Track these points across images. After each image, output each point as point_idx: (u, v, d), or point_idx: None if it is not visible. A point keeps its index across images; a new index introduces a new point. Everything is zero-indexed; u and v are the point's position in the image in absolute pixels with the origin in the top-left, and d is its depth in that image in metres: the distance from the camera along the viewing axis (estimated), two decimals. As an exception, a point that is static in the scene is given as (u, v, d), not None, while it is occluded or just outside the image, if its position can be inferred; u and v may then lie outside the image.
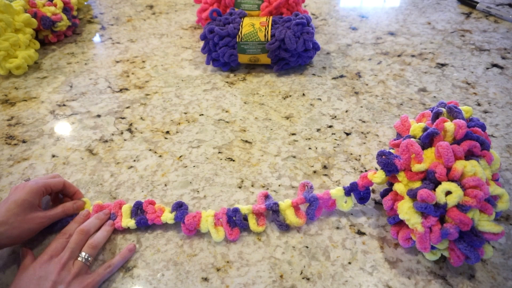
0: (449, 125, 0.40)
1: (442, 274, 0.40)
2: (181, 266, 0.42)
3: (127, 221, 0.46)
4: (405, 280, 0.40)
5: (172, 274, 0.42)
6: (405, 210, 0.39)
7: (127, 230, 0.46)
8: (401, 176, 0.41)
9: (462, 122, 0.40)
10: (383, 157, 0.42)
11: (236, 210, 0.45)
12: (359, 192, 0.45)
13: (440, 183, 0.38)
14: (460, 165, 0.38)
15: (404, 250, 0.43)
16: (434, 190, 0.38)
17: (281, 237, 0.45)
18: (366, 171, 0.52)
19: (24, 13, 0.74)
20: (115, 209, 0.47)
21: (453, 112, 0.43)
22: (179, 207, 0.46)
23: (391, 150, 0.48)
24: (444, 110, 0.45)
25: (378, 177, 0.42)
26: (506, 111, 0.60)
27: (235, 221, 0.45)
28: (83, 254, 0.42)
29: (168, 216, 0.45)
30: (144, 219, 0.45)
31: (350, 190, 0.45)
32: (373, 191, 0.49)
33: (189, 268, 0.42)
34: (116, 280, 0.41)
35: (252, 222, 0.45)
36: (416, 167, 0.39)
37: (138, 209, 0.47)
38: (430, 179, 0.39)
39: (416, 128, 0.43)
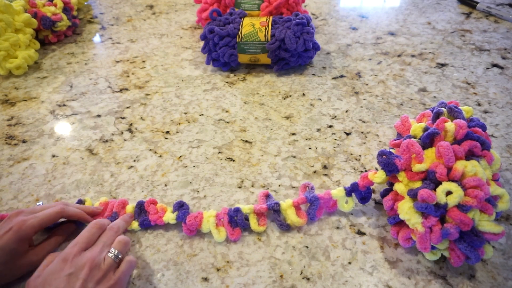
0: (450, 125, 0.40)
1: (442, 274, 0.40)
2: (181, 266, 0.42)
3: (131, 223, 0.46)
4: (405, 280, 0.40)
5: (172, 274, 0.42)
6: (406, 210, 0.39)
7: (127, 230, 0.46)
8: (402, 176, 0.41)
9: (463, 122, 0.40)
10: (384, 157, 0.42)
11: (238, 210, 0.45)
12: (360, 192, 0.45)
13: (440, 183, 0.38)
14: (461, 165, 0.38)
15: (404, 250, 0.43)
16: (435, 190, 0.38)
17: (281, 237, 0.45)
18: (366, 171, 0.52)
19: (24, 13, 0.74)
20: (117, 208, 0.47)
21: (454, 112, 0.43)
22: (181, 207, 0.46)
23: (392, 150, 0.48)
24: (444, 110, 0.45)
25: (378, 177, 0.42)
26: (506, 111, 0.60)
27: (237, 221, 0.45)
28: (113, 250, 0.39)
29: (170, 216, 0.45)
30: (147, 220, 0.45)
31: (351, 190, 0.45)
32: (373, 191, 0.49)
33: (189, 268, 0.42)
34: (116, 280, 0.41)
35: (253, 222, 0.45)
36: (417, 167, 0.39)
37: (140, 210, 0.47)
38: (431, 179, 0.39)
39: (417, 128, 0.43)
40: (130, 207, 0.47)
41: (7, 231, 0.39)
